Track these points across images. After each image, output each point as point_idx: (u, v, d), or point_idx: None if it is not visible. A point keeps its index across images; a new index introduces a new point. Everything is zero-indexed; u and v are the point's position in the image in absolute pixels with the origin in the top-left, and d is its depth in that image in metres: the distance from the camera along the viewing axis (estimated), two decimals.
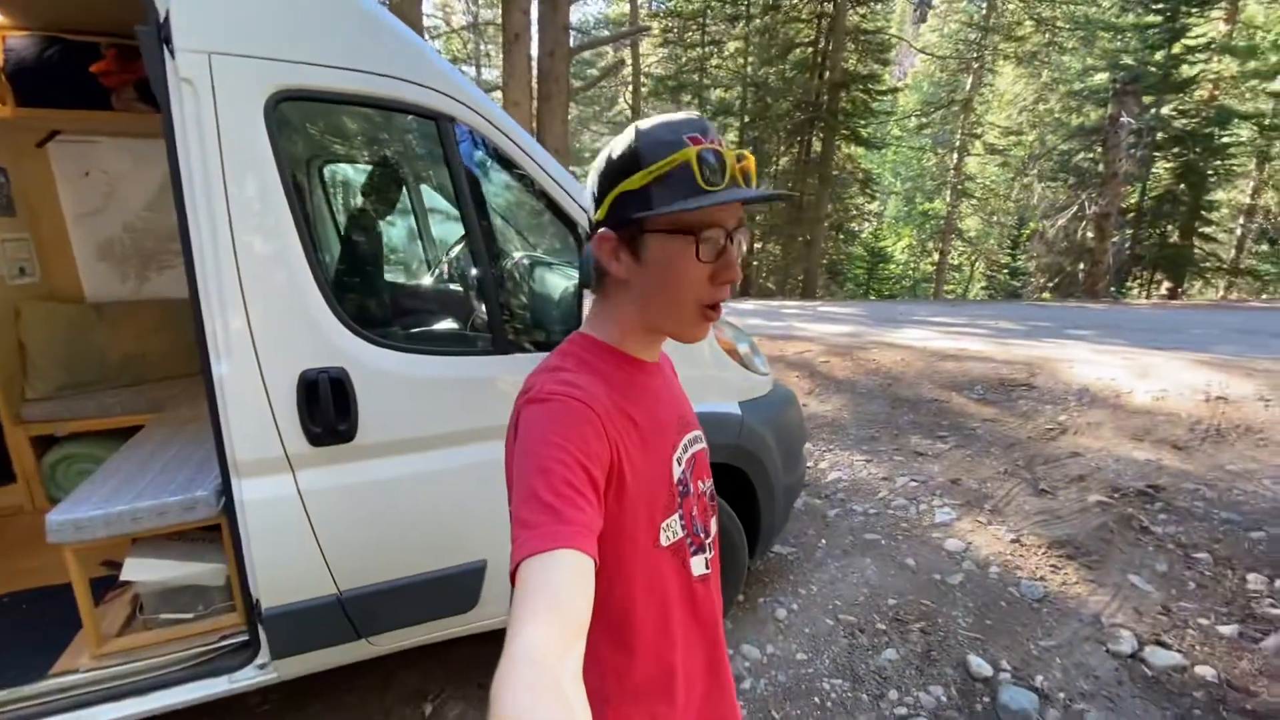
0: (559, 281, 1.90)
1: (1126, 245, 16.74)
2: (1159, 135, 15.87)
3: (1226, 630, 2.29)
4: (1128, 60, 16.40)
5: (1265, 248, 18.77)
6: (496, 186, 1.87)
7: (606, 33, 20.73)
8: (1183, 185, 16.18)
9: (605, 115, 25.57)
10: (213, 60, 1.36)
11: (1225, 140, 15.94)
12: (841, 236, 21.10)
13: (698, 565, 0.84)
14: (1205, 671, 2.11)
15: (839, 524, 3.28)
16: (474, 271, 1.75)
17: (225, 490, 1.53)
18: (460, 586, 1.82)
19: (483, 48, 22.68)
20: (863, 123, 18.58)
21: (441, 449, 1.71)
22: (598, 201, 0.74)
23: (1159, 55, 15.77)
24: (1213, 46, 15.71)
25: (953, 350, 5.75)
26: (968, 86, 22.16)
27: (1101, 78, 17.57)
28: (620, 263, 0.73)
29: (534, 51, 7.35)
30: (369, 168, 2.17)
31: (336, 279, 1.88)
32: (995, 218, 23.38)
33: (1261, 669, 2.10)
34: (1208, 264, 17.01)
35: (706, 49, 20.53)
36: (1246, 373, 4.26)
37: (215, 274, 1.42)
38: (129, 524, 1.58)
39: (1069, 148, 18.24)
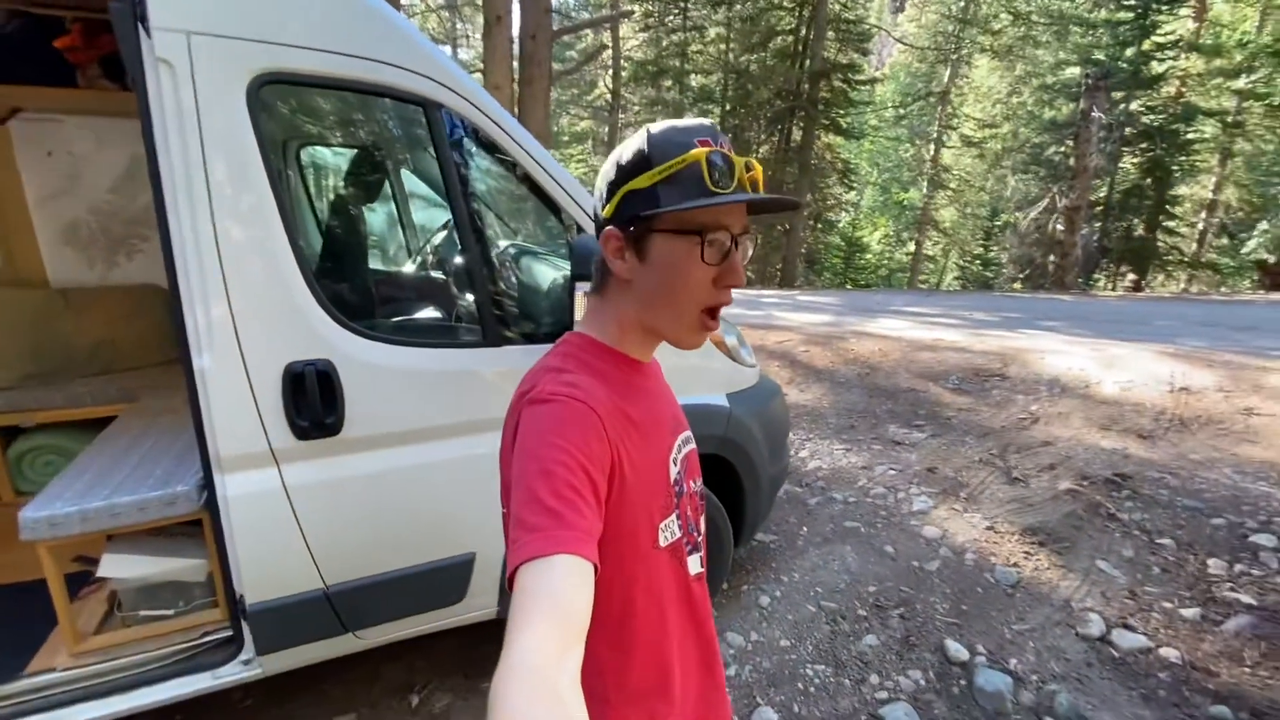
0: (549, 272, 1.88)
1: (1095, 238, 17.18)
2: (1128, 130, 16.26)
3: (1189, 613, 2.39)
4: (1099, 56, 16.73)
5: (1225, 242, 19.43)
6: (485, 175, 1.84)
7: (587, 15, 20.41)
8: (1149, 180, 16.65)
9: (585, 99, 25.27)
10: (192, 40, 1.30)
11: (1190, 136, 16.41)
12: (820, 226, 21.25)
13: (694, 564, 0.85)
14: (1169, 653, 2.20)
15: (820, 512, 3.33)
16: (463, 262, 1.72)
17: (207, 485, 1.49)
18: (448, 579, 1.81)
19: (459, 27, 22.21)
20: (842, 112, 18.67)
21: (430, 442, 1.70)
22: (606, 200, 0.73)
23: (1129, 51, 16.11)
24: (1180, 44, 16.10)
25: (929, 340, 5.86)
26: (945, 78, 22.38)
27: (1073, 72, 17.90)
28: (625, 262, 0.73)
29: (515, 34, 7.21)
30: (355, 155, 2.11)
31: (322, 269, 1.84)
32: (969, 209, 23.76)
33: (1222, 650, 2.21)
34: (1170, 257, 17.58)
35: (688, 34, 20.38)
36: (1208, 364, 4.42)
37: (196, 264, 1.37)
38: (107, 520, 1.54)
39: (1041, 141, 18.59)
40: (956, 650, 2.27)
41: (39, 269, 2.79)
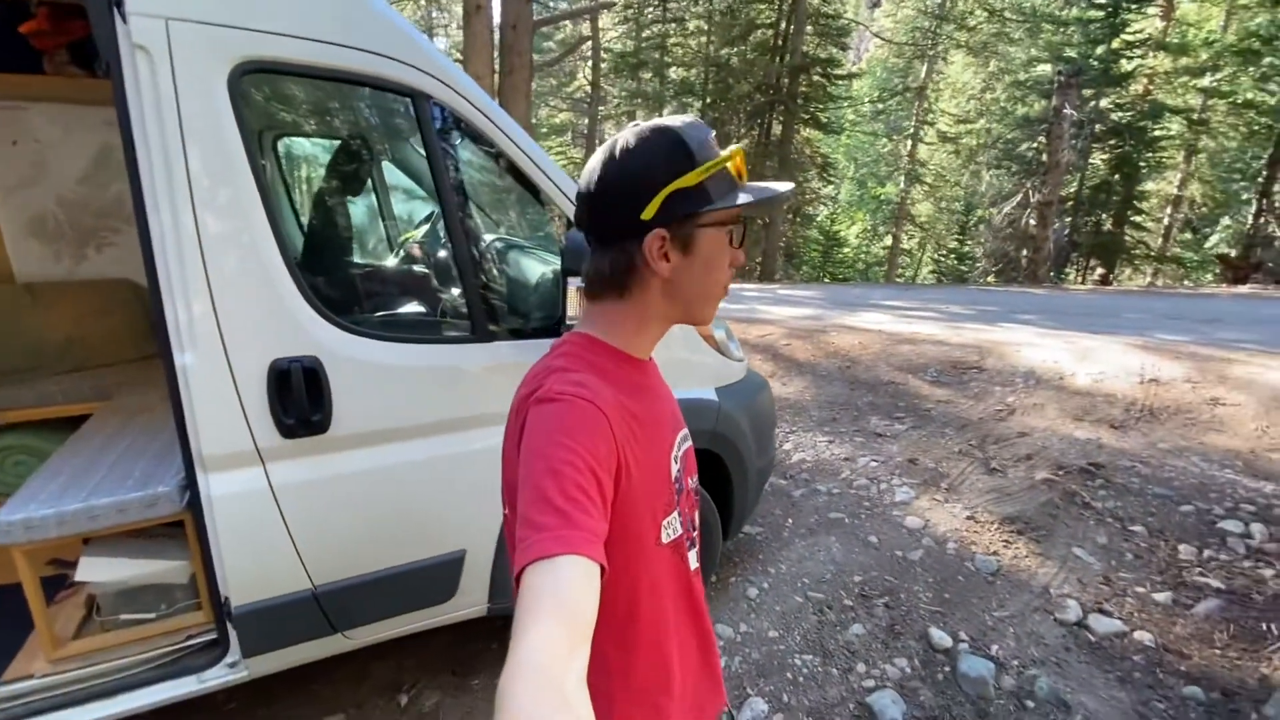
0: (539, 267, 1.86)
1: (1065, 233, 17.56)
2: (1098, 127, 16.62)
3: (1161, 598, 2.47)
4: (1071, 53, 17.05)
5: (1189, 236, 20.00)
6: (474, 168, 1.81)
7: (567, 5, 20.20)
8: (1117, 176, 17.05)
9: (564, 91, 25.06)
10: (170, 26, 1.26)
11: (1157, 133, 16.83)
12: (798, 220, 21.39)
13: (694, 560, 0.86)
14: (1143, 637, 2.27)
15: (804, 504, 3.37)
16: (451, 256, 1.70)
17: (190, 485, 1.46)
18: (438, 577, 1.79)
19: (436, 16, 21.83)
20: (821, 107, 18.77)
21: (419, 439, 1.67)
22: (636, 204, 0.70)
23: (1100, 49, 16.44)
24: (1149, 42, 16.48)
25: (908, 334, 5.94)
26: (922, 74, 22.62)
27: (1046, 69, 18.22)
28: (669, 261, 0.72)
29: (495, 23, 7.11)
30: (340, 146, 2.06)
31: (308, 264, 1.79)
32: (945, 204, 24.10)
33: (1193, 633, 2.28)
34: (1137, 251, 18.05)
35: (668, 25, 20.30)
36: (1175, 356, 4.55)
37: (176, 258, 1.33)
38: (85, 522, 1.49)
39: (1014, 137, 18.91)
40: (940, 638, 2.31)
41: (3, 262, 2.68)
